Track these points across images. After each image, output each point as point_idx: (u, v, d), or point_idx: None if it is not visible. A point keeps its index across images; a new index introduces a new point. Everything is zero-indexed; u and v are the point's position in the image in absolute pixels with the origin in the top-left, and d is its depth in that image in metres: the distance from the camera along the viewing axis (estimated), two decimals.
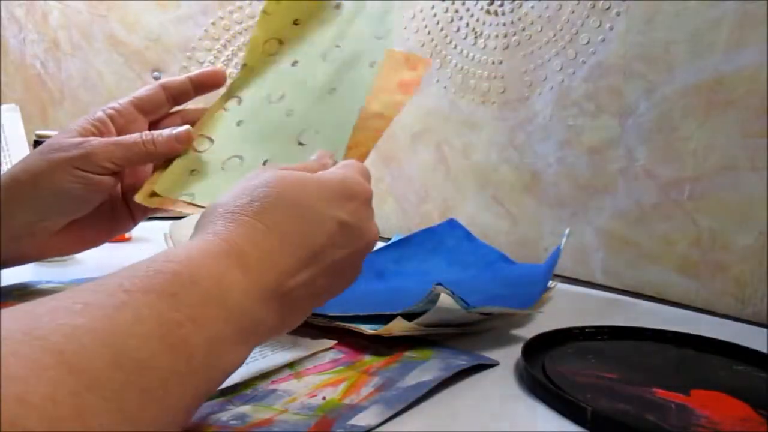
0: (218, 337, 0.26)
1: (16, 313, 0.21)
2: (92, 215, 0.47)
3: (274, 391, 0.36)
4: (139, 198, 0.46)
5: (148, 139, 0.46)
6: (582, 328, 0.48)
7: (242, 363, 0.29)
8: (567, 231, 0.60)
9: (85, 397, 0.19)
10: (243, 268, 0.29)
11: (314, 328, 0.46)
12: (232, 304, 0.28)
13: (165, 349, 0.23)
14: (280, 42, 0.53)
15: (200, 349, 0.25)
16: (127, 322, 0.23)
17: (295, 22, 0.54)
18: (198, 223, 0.33)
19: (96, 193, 0.45)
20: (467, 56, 0.79)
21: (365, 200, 0.36)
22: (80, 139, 0.44)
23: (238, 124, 0.50)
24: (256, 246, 0.31)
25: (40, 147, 0.45)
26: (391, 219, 0.89)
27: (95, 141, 0.44)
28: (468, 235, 0.69)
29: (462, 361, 0.41)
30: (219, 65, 1.00)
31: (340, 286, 0.36)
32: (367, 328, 0.45)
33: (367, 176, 0.39)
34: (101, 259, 0.68)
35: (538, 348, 0.43)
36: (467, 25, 0.79)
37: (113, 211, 0.50)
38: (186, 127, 0.48)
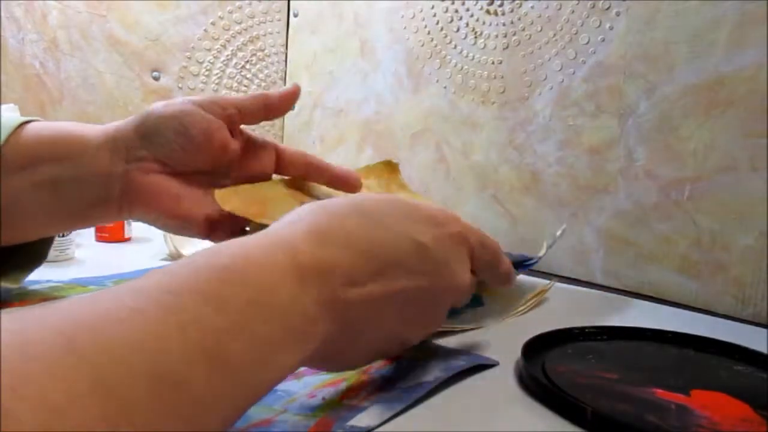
0: (262, 339, 0.25)
1: (61, 321, 0.20)
2: (186, 192, 0.46)
3: (273, 391, 0.36)
4: (217, 195, 0.46)
5: (263, 93, 0.49)
6: (582, 328, 0.48)
7: (292, 370, 0.27)
8: (563, 227, 0.60)
9: (118, 426, 0.19)
10: (295, 265, 0.27)
11: None
12: (279, 302, 0.26)
13: (204, 363, 0.22)
14: None
15: (242, 356, 0.24)
16: (169, 333, 0.22)
17: None
18: None
19: (209, 142, 0.45)
20: (467, 56, 0.79)
21: (456, 234, 0.34)
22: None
23: None
24: (314, 243, 0.29)
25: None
26: None
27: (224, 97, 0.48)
28: None
29: (462, 362, 0.41)
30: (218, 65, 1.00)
31: (412, 327, 0.34)
32: None
33: (481, 243, 0.37)
34: (101, 259, 0.68)
35: (538, 348, 0.43)
36: (467, 25, 0.79)
37: (199, 207, 0.48)
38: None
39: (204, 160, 0.46)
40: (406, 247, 0.31)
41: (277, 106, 0.49)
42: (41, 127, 0.45)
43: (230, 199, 0.45)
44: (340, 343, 0.30)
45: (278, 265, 0.27)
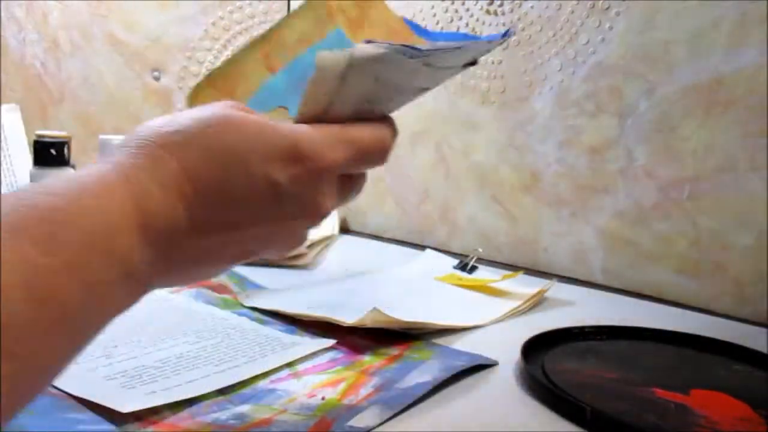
0: (99, 283, 0.24)
1: None
2: None
3: (273, 390, 0.36)
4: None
5: None
6: (582, 328, 0.48)
7: (127, 308, 0.27)
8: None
9: None
10: (139, 209, 0.26)
11: (313, 326, 0.46)
12: (120, 248, 0.25)
13: (31, 300, 0.21)
14: None
15: (76, 297, 0.23)
16: None
17: None
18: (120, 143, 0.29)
19: None
20: None
21: (317, 169, 0.30)
22: None
23: None
24: (161, 186, 0.27)
25: None
26: (391, 219, 0.89)
27: None
28: None
29: (461, 362, 0.41)
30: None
31: (265, 253, 0.32)
32: (346, 319, 0.45)
33: (352, 146, 0.32)
34: None
35: (537, 348, 0.43)
36: (467, 25, 0.79)
37: None
38: None
39: None
40: (260, 190, 0.29)
41: None
42: None
43: (201, 95, 0.41)
44: (177, 277, 0.30)
45: (120, 210, 0.25)
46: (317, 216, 0.31)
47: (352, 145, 0.31)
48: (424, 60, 0.32)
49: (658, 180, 0.63)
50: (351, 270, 0.65)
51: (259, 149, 0.28)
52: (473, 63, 0.37)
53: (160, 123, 0.29)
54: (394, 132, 0.35)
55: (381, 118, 0.34)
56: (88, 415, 0.32)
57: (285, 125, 0.30)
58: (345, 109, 0.32)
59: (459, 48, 0.34)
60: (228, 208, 0.28)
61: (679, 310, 0.60)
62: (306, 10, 0.46)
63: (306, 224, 0.32)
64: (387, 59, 0.30)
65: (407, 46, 0.31)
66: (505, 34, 0.37)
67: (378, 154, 0.34)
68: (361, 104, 0.33)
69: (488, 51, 0.38)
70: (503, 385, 0.39)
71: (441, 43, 0.35)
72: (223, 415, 0.33)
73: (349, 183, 0.34)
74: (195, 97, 0.41)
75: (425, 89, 0.37)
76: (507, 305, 0.55)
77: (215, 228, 0.28)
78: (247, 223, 0.29)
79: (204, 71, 1.00)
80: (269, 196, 0.29)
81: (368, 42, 0.30)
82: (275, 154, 0.29)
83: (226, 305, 0.51)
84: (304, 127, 0.30)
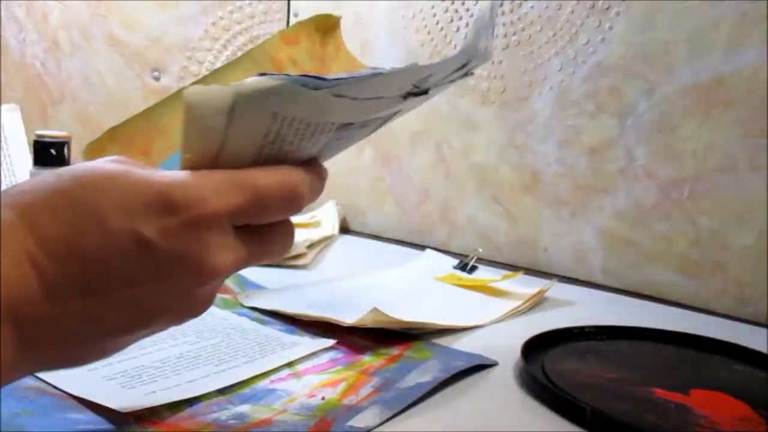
0: None
1: None
2: None
3: (273, 390, 0.36)
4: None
5: None
6: (582, 328, 0.48)
7: None
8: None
9: None
10: None
11: (313, 326, 0.46)
12: None
13: None
14: None
15: None
16: None
17: None
18: None
19: None
20: None
21: (195, 218, 0.26)
22: None
23: None
24: (5, 249, 0.24)
25: None
26: (391, 219, 0.89)
27: None
28: None
29: (461, 362, 0.41)
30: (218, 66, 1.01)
31: (159, 321, 0.28)
32: (346, 319, 0.45)
33: (239, 189, 0.27)
34: None
35: (537, 348, 0.43)
36: (467, 25, 0.79)
37: None
38: None
39: None
40: (122, 247, 0.25)
41: None
42: None
43: (102, 150, 0.37)
44: (55, 356, 0.26)
45: None
46: (206, 273, 0.26)
47: (245, 191, 0.27)
48: (333, 91, 0.27)
49: (658, 180, 0.63)
50: (351, 270, 0.65)
51: (120, 202, 0.25)
52: (422, 93, 0.32)
53: (24, 183, 0.26)
54: (313, 176, 0.30)
55: (301, 162, 0.29)
56: (88, 415, 0.32)
57: (160, 173, 0.26)
58: (245, 153, 0.28)
59: (378, 75, 0.29)
60: (85, 269, 0.25)
61: (679, 310, 0.60)
62: (243, 61, 0.41)
63: (197, 284, 0.27)
64: (283, 92, 0.26)
65: (310, 76, 0.27)
66: (463, 67, 0.33)
67: (284, 201, 0.28)
68: (266, 146, 0.28)
69: (434, 76, 0.32)
70: (503, 385, 0.39)
71: (356, 72, 0.30)
72: (223, 415, 0.33)
73: (263, 235, 0.29)
74: (92, 153, 0.38)
75: (354, 125, 0.32)
76: (507, 305, 0.55)
77: (75, 292, 0.25)
78: (116, 285, 0.25)
79: (204, 71, 1.00)
80: (136, 254, 0.25)
81: (261, 75, 0.26)
82: (140, 206, 0.25)
83: (226, 305, 0.51)
84: (180, 174, 0.26)
